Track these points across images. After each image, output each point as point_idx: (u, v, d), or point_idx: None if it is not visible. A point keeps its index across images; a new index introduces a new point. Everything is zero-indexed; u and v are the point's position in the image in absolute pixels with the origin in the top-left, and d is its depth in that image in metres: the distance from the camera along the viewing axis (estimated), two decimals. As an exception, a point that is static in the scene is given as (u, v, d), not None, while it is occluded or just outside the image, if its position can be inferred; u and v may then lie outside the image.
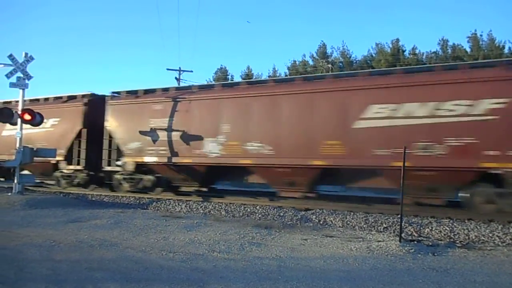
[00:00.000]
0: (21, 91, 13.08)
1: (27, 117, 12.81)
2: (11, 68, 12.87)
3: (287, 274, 5.20)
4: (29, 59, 13.09)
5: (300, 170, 11.15)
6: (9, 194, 12.45)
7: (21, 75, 12.99)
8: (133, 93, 14.15)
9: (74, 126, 14.65)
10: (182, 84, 32.89)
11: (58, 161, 14.69)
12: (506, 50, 29.87)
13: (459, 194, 9.95)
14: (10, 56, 12.80)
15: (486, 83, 9.23)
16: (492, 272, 5.49)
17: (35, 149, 13.09)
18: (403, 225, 7.66)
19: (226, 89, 12.76)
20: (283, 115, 11.33)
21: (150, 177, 13.38)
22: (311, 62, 37.46)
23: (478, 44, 30.84)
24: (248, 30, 73.93)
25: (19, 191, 12.54)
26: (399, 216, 7.43)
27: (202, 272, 5.26)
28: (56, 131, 14.98)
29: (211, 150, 12.17)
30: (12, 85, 12.96)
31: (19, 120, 12.84)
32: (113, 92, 14.62)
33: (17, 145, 12.79)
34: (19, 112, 12.83)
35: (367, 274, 5.27)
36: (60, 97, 15.76)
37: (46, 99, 16.05)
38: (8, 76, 12.91)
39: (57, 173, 15.22)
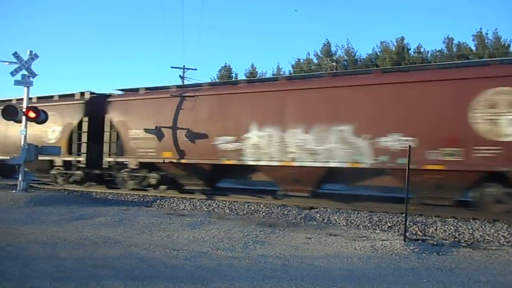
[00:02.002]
0: (25, 88, 13.11)
1: (32, 114, 12.87)
2: (16, 65, 12.90)
3: (291, 272, 5.20)
4: (33, 57, 13.09)
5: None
6: (14, 191, 12.50)
7: (26, 73, 13.02)
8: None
9: None
10: (186, 82, 32.95)
11: None
12: (511, 49, 29.69)
13: None
14: (15, 54, 12.81)
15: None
16: (497, 272, 5.46)
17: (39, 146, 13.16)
18: (407, 224, 7.64)
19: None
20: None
21: None
22: (315, 61, 37.37)
23: (484, 42, 30.65)
24: (252, 28, 73.93)
25: (23, 189, 12.57)
26: (403, 215, 7.41)
27: (206, 270, 5.26)
28: None
29: None
30: (17, 82, 12.95)
31: (23, 118, 12.89)
32: None
33: (22, 142, 12.83)
34: (24, 110, 12.87)
35: (372, 273, 5.26)
36: None
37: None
38: (13, 73, 12.91)
39: None
